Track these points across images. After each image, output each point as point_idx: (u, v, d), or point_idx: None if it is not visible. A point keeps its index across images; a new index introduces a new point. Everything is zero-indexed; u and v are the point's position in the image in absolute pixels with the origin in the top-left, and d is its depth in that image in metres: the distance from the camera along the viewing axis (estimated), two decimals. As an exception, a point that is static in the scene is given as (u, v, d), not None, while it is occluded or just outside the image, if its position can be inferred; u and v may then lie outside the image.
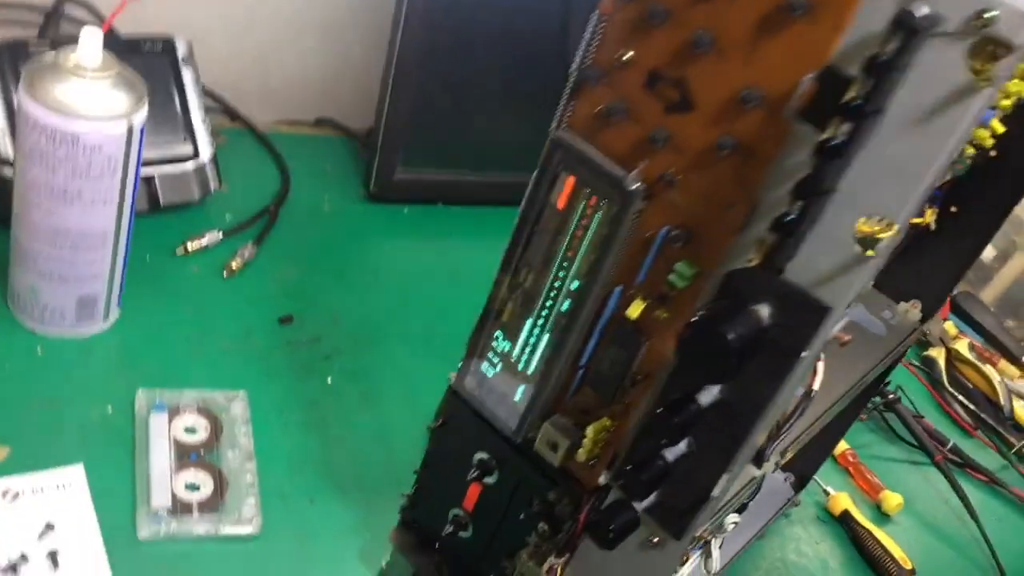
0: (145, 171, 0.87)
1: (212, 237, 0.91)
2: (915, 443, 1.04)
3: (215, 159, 0.94)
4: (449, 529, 0.63)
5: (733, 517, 0.62)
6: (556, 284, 0.49)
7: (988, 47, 0.36)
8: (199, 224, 0.93)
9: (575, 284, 0.49)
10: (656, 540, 0.54)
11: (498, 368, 0.55)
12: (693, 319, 0.42)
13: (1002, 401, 1.13)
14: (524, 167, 1.11)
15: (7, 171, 0.79)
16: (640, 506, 0.52)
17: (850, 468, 1.00)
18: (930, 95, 0.38)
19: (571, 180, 0.46)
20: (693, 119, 0.43)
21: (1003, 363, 1.22)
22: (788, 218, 0.40)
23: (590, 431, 0.51)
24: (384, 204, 1.08)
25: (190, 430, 0.74)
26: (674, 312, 0.47)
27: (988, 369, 1.15)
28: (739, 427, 0.47)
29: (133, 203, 0.74)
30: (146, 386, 0.76)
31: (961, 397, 1.15)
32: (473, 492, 0.62)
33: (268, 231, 0.96)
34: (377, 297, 0.97)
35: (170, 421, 0.74)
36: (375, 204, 1.08)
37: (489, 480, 0.60)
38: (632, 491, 0.49)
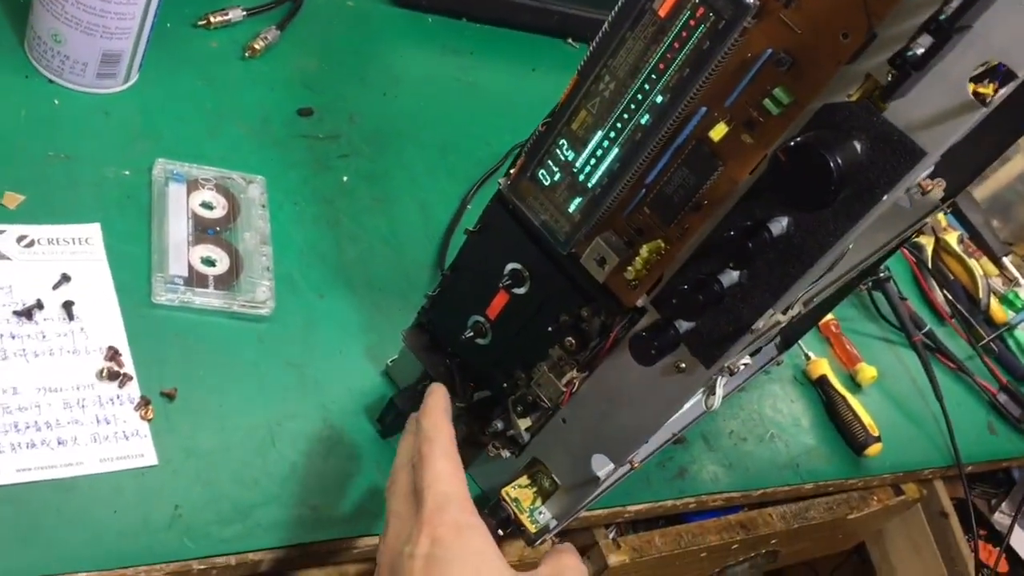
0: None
1: (235, 14, 0.87)
2: (896, 323, 1.07)
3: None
4: (468, 334, 0.64)
5: (745, 359, 0.64)
6: (639, 96, 0.48)
7: None
8: (221, 0, 0.89)
9: (660, 98, 0.47)
10: (683, 366, 0.55)
11: (556, 178, 0.54)
12: (795, 140, 0.41)
13: (981, 295, 1.17)
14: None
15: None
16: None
17: (831, 338, 1.03)
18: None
19: (679, -13, 0.44)
20: (828, -65, 0.41)
21: (984, 260, 1.25)
22: (910, 54, 0.40)
23: (644, 250, 0.51)
24: (408, 9, 1.04)
25: (207, 206, 0.73)
26: (758, 140, 0.46)
27: (973, 263, 1.18)
28: (799, 264, 0.48)
29: (169, -41, 0.70)
30: (163, 156, 0.74)
31: (937, 287, 1.18)
32: (499, 301, 0.62)
33: (292, 18, 0.92)
34: (395, 103, 0.94)
35: (188, 194, 0.72)
36: (399, 8, 1.03)
37: (519, 291, 0.61)
38: (685, 311, 0.49)
